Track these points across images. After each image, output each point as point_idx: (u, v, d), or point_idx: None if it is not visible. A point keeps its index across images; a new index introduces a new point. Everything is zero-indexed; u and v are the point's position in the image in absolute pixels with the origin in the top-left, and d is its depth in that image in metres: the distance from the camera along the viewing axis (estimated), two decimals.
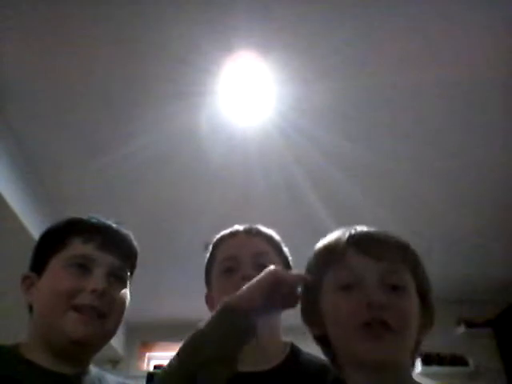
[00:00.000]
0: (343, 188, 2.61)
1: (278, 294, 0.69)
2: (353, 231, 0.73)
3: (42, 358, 0.78)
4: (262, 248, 0.95)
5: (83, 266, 0.82)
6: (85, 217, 0.90)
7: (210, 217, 2.74)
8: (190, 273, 3.32)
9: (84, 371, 0.83)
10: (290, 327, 1.09)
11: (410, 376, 0.68)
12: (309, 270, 0.76)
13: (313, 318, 0.73)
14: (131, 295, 0.92)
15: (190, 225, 2.89)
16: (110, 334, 0.85)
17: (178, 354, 0.67)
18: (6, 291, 2.49)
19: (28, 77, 1.99)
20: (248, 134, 2.29)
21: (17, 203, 2.23)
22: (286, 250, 0.99)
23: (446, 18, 1.79)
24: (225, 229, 1.02)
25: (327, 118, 2.21)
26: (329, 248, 0.74)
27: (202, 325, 0.68)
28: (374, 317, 0.63)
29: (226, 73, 1.98)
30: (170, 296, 3.80)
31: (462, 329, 3.81)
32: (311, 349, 0.88)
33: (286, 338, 0.94)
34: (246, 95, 2.11)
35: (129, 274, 0.90)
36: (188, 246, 3.08)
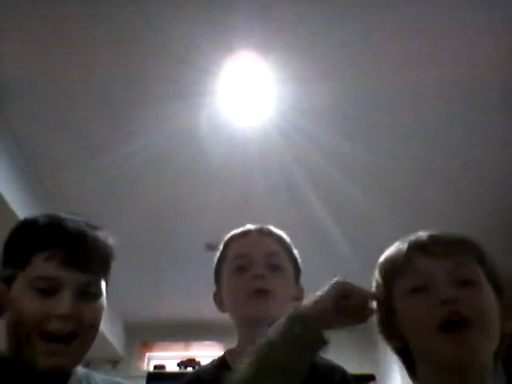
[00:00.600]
0: (343, 188, 2.61)
1: (349, 306, 0.66)
2: (412, 237, 0.74)
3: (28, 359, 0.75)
4: (273, 248, 0.94)
5: (48, 289, 0.76)
6: (44, 221, 0.81)
7: (210, 217, 2.74)
8: (190, 273, 3.34)
9: (68, 372, 0.81)
10: None
11: (494, 379, 0.66)
12: (377, 285, 0.75)
13: (391, 330, 0.71)
14: (131, 296, 0.91)
15: (190, 225, 2.89)
16: (84, 354, 0.80)
17: (251, 363, 0.64)
18: None
19: (28, 77, 1.99)
20: (248, 134, 2.29)
21: (17, 203, 2.23)
22: (295, 251, 0.99)
23: (446, 17, 1.79)
24: (224, 228, 1.02)
25: (327, 118, 2.21)
26: (392, 258, 0.73)
27: (272, 335, 0.66)
28: (451, 313, 0.62)
29: (225, 73, 1.98)
30: (170, 296, 3.80)
31: None
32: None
33: None
34: (246, 95, 2.11)
35: (103, 280, 0.84)
36: (188, 246, 3.08)
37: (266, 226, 0.99)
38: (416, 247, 0.70)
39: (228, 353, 0.93)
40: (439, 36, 1.86)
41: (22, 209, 2.28)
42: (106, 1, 1.70)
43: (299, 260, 1.00)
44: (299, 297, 0.94)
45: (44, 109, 2.14)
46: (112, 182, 2.59)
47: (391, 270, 0.72)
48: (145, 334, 4.30)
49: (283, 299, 0.89)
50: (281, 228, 1.03)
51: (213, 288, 1.00)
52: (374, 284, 0.76)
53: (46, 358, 0.74)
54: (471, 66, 1.96)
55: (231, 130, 2.27)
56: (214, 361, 0.94)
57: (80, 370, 0.84)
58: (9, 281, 0.78)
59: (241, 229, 1.00)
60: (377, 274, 0.76)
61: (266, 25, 1.79)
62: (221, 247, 1.00)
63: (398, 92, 2.09)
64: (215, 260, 1.01)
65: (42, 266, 0.77)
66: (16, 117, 2.16)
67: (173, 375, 3.86)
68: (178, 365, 3.93)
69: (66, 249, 0.78)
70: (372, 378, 3.76)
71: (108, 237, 0.86)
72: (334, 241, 2.88)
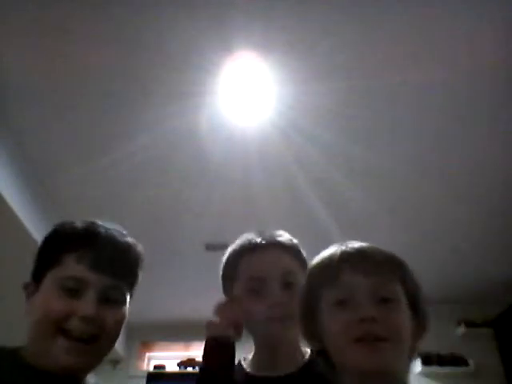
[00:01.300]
0: (343, 188, 2.61)
1: None
2: (344, 248, 0.77)
3: (41, 364, 0.77)
4: (290, 266, 0.91)
5: (74, 288, 0.79)
6: (79, 226, 0.85)
7: (210, 217, 2.74)
8: (190, 273, 3.34)
9: (83, 381, 0.83)
10: None
11: (407, 382, 0.71)
12: (306, 287, 0.79)
13: (312, 333, 0.76)
14: (130, 300, 0.90)
15: (190, 225, 2.89)
16: (100, 358, 0.82)
17: None
18: (6, 291, 2.49)
19: (28, 77, 1.99)
20: (248, 134, 2.29)
21: (17, 203, 2.23)
22: (304, 257, 0.95)
23: (446, 17, 1.79)
24: (225, 229, 1.02)
25: (327, 118, 2.21)
26: (322, 266, 0.77)
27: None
28: (366, 331, 0.67)
29: (225, 73, 1.98)
30: (170, 296, 3.80)
31: (462, 329, 3.81)
32: None
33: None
34: (246, 95, 2.11)
35: (128, 289, 0.86)
36: (188, 246, 3.08)
37: (274, 236, 0.94)
38: (345, 261, 0.74)
39: (244, 359, 0.94)
40: (439, 36, 1.86)
41: (22, 209, 2.28)
42: (106, 1, 1.70)
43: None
44: None
45: (44, 109, 2.14)
46: (112, 182, 2.59)
47: (320, 277, 0.76)
48: (145, 334, 4.30)
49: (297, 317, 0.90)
50: (281, 228, 1.02)
51: (213, 288, 1.00)
52: (303, 287, 0.80)
53: (66, 355, 0.76)
54: (471, 66, 1.96)
55: (231, 130, 2.27)
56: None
57: (91, 378, 0.86)
58: (37, 280, 0.82)
59: (249, 239, 0.94)
60: (308, 275, 0.80)
61: (266, 25, 1.79)
62: (229, 260, 0.95)
63: (397, 92, 2.09)
64: (222, 272, 0.97)
65: (72, 267, 0.80)
66: (16, 117, 2.16)
67: (173, 375, 3.86)
68: (178, 365, 3.93)
69: (96, 252, 0.81)
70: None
71: (138, 246, 0.89)
72: (334, 240, 2.86)
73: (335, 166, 2.47)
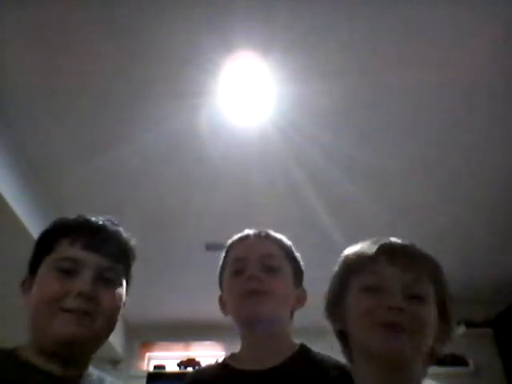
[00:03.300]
0: (343, 188, 2.61)
1: None
2: (384, 241, 0.80)
3: (39, 361, 0.78)
4: (270, 250, 0.96)
5: (70, 269, 0.81)
6: (73, 217, 0.90)
7: (210, 217, 2.74)
8: (190, 273, 3.34)
9: (83, 373, 0.83)
10: (298, 327, 1.09)
11: (419, 380, 0.72)
12: (338, 272, 0.82)
13: (335, 312, 0.79)
14: (131, 296, 0.91)
15: (190, 225, 2.89)
16: (101, 334, 0.83)
17: None
18: (6, 291, 2.49)
19: (28, 77, 1.99)
20: (248, 134, 2.29)
21: (17, 203, 2.23)
22: (297, 255, 1.00)
23: (446, 17, 1.79)
24: (225, 229, 1.03)
25: (327, 118, 2.21)
26: (359, 254, 0.80)
27: None
28: (391, 320, 0.69)
29: (225, 73, 1.98)
30: (170, 296, 3.80)
31: (462, 329, 3.81)
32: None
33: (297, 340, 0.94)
34: (246, 95, 2.11)
35: (123, 273, 0.89)
36: (188, 246, 3.08)
37: (264, 230, 1.01)
38: (384, 252, 0.77)
39: (230, 356, 0.94)
40: (439, 36, 1.86)
41: (22, 209, 2.28)
42: (106, 1, 1.70)
43: (301, 262, 1.00)
44: (301, 298, 0.96)
45: (44, 109, 2.14)
46: (112, 182, 2.59)
47: (354, 263, 0.79)
48: (145, 334, 4.30)
49: (281, 300, 0.90)
50: (281, 228, 1.03)
51: (213, 288, 1.02)
52: (336, 269, 0.83)
53: (65, 326, 0.77)
54: (472, 66, 1.97)
55: (231, 130, 2.27)
56: (213, 364, 0.96)
57: (93, 371, 0.87)
58: (33, 271, 0.85)
59: (240, 234, 1.02)
60: (341, 263, 0.83)
61: (266, 25, 1.79)
62: (223, 253, 1.03)
63: (398, 92, 2.09)
64: (219, 265, 1.02)
65: (66, 249, 0.84)
66: (16, 117, 2.16)
67: (173, 375, 3.86)
68: (178, 365, 3.93)
69: (89, 234, 0.85)
70: None
71: (130, 237, 0.92)
72: (334, 240, 2.87)
73: (335, 165, 2.47)
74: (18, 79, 2.00)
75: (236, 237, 1.02)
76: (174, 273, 3.42)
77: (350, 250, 0.83)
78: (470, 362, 3.66)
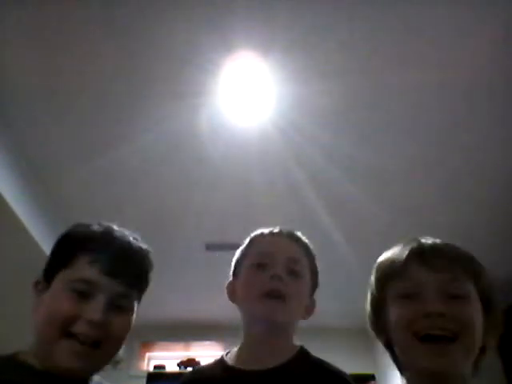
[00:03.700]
0: (343, 188, 2.61)
1: None
2: (415, 244, 0.77)
3: (41, 367, 0.77)
4: (297, 255, 0.94)
5: (84, 291, 0.79)
6: (95, 229, 0.85)
7: (210, 217, 2.74)
8: (190, 273, 3.34)
9: (85, 380, 0.83)
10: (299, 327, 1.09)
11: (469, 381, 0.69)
12: (375, 280, 0.79)
13: (378, 325, 0.76)
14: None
15: (190, 225, 2.89)
16: (104, 363, 0.82)
17: None
18: (6, 291, 2.49)
19: (28, 77, 1.99)
20: (248, 134, 2.29)
21: (17, 203, 2.23)
22: (317, 264, 0.99)
23: (446, 17, 1.79)
24: (225, 229, 1.03)
25: (327, 118, 2.21)
26: (391, 261, 0.77)
27: None
28: (432, 326, 0.65)
29: (225, 73, 1.98)
30: (170, 296, 3.80)
31: None
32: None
33: (298, 342, 0.94)
34: (246, 95, 2.11)
35: (137, 297, 0.87)
36: (188, 246, 3.08)
37: (296, 232, 0.99)
38: (415, 255, 0.73)
39: (227, 355, 0.93)
40: (439, 36, 1.86)
41: (22, 209, 2.28)
42: (106, 1, 1.71)
43: (318, 273, 0.99)
44: (309, 309, 0.95)
45: (44, 109, 2.14)
46: (112, 182, 2.59)
47: (388, 271, 0.75)
48: (145, 334, 4.29)
49: (296, 306, 0.89)
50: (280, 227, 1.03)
51: (213, 288, 1.01)
52: (371, 279, 0.79)
53: (69, 358, 0.75)
54: (472, 66, 1.97)
55: (231, 130, 2.27)
56: (212, 361, 0.95)
57: (95, 378, 0.86)
58: (49, 279, 0.82)
59: (271, 228, 1.00)
60: (374, 272, 0.79)
61: (266, 25, 1.79)
62: (247, 240, 1.01)
63: (398, 92, 2.09)
64: (238, 250, 1.01)
65: (85, 269, 0.80)
66: (16, 117, 2.16)
67: (173, 375, 3.86)
68: (178, 365, 3.93)
69: (110, 256, 0.81)
70: (372, 377, 3.76)
71: (150, 253, 0.90)
72: (334, 240, 2.88)
73: (335, 165, 2.47)
74: (18, 79, 2.00)
75: (266, 229, 0.99)
76: (174, 273, 3.41)
77: (383, 257, 0.80)
78: None
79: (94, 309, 0.77)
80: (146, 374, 3.96)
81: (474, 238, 3.13)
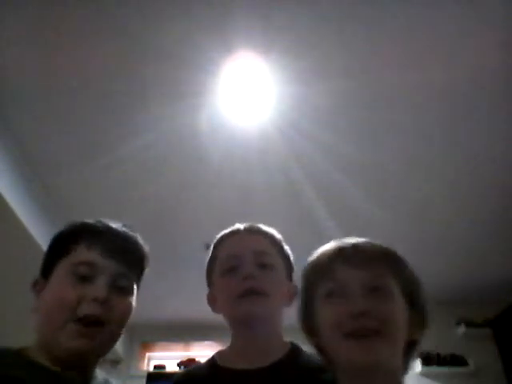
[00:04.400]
0: (343, 188, 2.61)
1: None
2: (339, 244, 0.78)
3: (46, 362, 0.78)
4: (262, 246, 0.94)
5: (86, 274, 0.81)
6: (91, 220, 0.89)
7: (210, 217, 2.74)
8: (191, 273, 3.32)
9: (89, 375, 0.83)
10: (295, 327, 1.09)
11: (402, 380, 0.71)
12: (302, 283, 0.80)
13: (308, 327, 0.77)
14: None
15: (191, 225, 2.89)
16: (109, 343, 0.84)
17: None
18: (6, 291, 2.49)
19: (28, 77, 1.99)
20: (248, 134, 2.29)
21: (17, 204, 2.23)
22: (286, 248, 0.99)
23: (446, 17, 1.79)
24: (224, 228, 1.02)
25: (327, 118, 2.21)
26: (317, 262, 0.78)
27: None
28: (357, 326, 0.67)
29: (225, 73, 1.98)
30: (171, 296, 3.80)
31: (461, 329, 3.81)
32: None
33: (288, 338, 0.93)
34: (246, 95, 2.11)
35: (136, 279, 0.89)
36: (188, 246, 3.08)
37: (255, 224, 0.99)
38: (338, 255, 0.75)
39: (218, 354, 0.93)
40: (439, 36, 1.86)
41: (22, 209, 2.28)
42: (106, 1, 1.71)
43: (291, 256, 0.99)
44: (291, 294, 0.94)
45: (44, 109, 2.14)
46: (112, 182, 2.59)
47: (314, 272, 0.77)
48: (145, 334, 4.30)
49: (275, 298, 0.89)
50: (281, 227, 1.03)
51: None
52: (300, 281, 0.81)
53: (74, 339, 0.77)
54: (471, 66, 1.97)
55: (231, 130, 2.27)
56: (204, 362, 0.95)
57: (98, 374, 0.87)
58: (47, 275, 0.84)
59: (230, 228, 1.00)
60: (302, 274, 0.81)
61: (266, 25, 1.79)
62: (211, 248, 1.01)
63: (398, 92, 2.09)
64: (207, 259, 1.00)
65: (84, 253, 0.83)
66: (16, 117, 2.16)
67: (173, 375, 3.85)
68: (178, 365, 3.93)
69: (107, 240, 0.85)
70: None
71: (145, 245, 0.93)
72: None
73: (335, 165, 2.47)
74: (18, 79, 2.00)
75: (226, 231, 1.00)
76: (174, 273, 3.41)
77: (310, 258, 0.81)
78: (470, 362, 3.65)
79: (98, 288, 0.80)
80: (145, 374, 3.96)
81: (474, 238, 3.14)
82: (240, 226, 0.99)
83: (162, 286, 3.60)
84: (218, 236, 1.01)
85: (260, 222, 1.01)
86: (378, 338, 0.66)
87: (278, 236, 0.99)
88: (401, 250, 0.79)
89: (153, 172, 2.51)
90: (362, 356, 0.66)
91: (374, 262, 0.73)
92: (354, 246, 0.76)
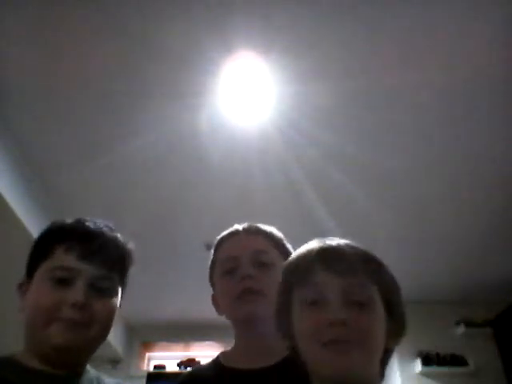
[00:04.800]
0: (343, 188, 2.61)
1: None
2: (318, 245, 0.74)
3: (36, 363, 0.79)
4: (261, 246, 0.94)
5: (65, 278, 0.81)
6: (69, 221, 0.88)
7: (210, 217, 2.74)
8: (190, 273, 3.33)
9: (80, 372, 0.83)
10: None
11: None
12: (281, 283, 0.77)
13: (284, 329, 0.74)
14: (131, 296, 0.91)
15: (191, 225, 2.90)
16: (95, 341, 0.83)
17: None
18: (6, 291, 2.49)
19: (28, 77, 1.99)
20: (248, 134, 2.29)
21: (17, 203, 2.23)
22: (288, 246, 0.98)
23: (446, 18, 1.79)
24: (224, 228, 1.02)
25: (327, 118, 2.21)
26: (296, 265, 0.75)
27: None
28: (336, 335, 0.65)
29: (225, 73, 1.98)
30: (171, 296, 3.80)
31: (461, 329, 3.81)
32: None
33: None
34: (246, 95, 2.11)
35: (118, 280, 0.88)
36: (188, 246, 3.08)
37: (254, 224, 0.99)
38: (318, 259, 0.71)
39: (222, 354, 0.94)
40: (439, 36, 1.86)
41: (22, 209, 2.28)
42: (106, 1, 1.71)
43: (291, 254, 0.99)
44: None
45: (44, 109, 2.14)
46: (112, 182, 2.59)
47: (294, 275, 0.74)
48: (145, 334, 4.30)
49: (274, 296, 0.89)
50: (281, 227, 1.03)
51: None
52: (281, 277, 0.78)
53: (60, 335, 0.77)
54: (471, 66, 1.97)
55: (231, 130, 2.27)
56: (208, 362, 0.95)
57: (91, 370, 0.87)
58: (31, 275, 0.85)
59: (229, 230, 1.00)
60: (283, 272, 0.78)
61: (266, 25, 1.79)
62: (212, 250, 1.01)
63: (398, 92, 2.09)
64: (208, 263, 1.01)
65: (61, 257, 0.82)
66: (16, 117, 2.16)
67: (173, 375, 3.86)
68: (178, 365, 3.93)
69: (84, 243, 0.84)
70: None
71: (127, 241, 0.92)
72: None
73: (335, 165, 2.47)
74: (19, 80, 2.00)
75: (225, 233, 1.00)
76: (174, 273, 3.42)
77: (291, 258, 0.78)
78: (470, 362, 3.65)
79: (76, 292, 0.80)
80: (146, 374, 3.97)
81: (474, 238, 3.14)
82: (239, 226, 0.99)
83: (162, 286, 3.60)
84: (218, 238, 1.01)
85: (260, 222, 1.01)
86: (355, 348, 0.64)
87: (278, 234, 0.99)
88: (401, 249, 0.79)
89: (153, 172, 2.51)
90: (335, 363, 0.64)
91: (355, 270, 0.70)
92: (335, 250, 0.72)
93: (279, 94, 2.09)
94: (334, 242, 0.75)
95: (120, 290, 0.89)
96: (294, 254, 0.78)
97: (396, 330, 0.71)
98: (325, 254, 0.72)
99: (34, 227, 2.39)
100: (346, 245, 0.74)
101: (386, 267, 0.74)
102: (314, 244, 0.76)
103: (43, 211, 2.57)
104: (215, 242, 1.01)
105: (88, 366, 0.86)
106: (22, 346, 0.83)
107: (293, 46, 1.88)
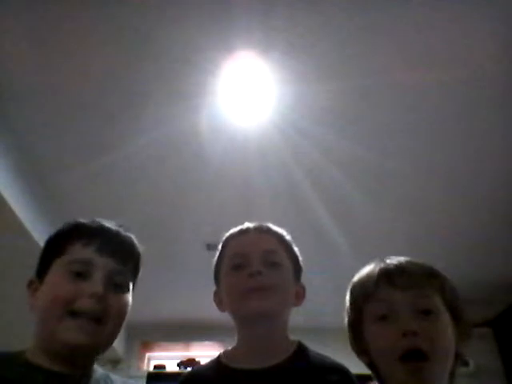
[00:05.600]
0: (343, 188, 2.61)
1: None
2: (382, 264, 0.81)
3: (44, 361, 0.79)
4: (271, 246, 0.94)
5: (82, 272, 0.82)
6: (86, 220, 0.90)
7: (210, 217, 2.74)
8: (191, 273, 3.34)
9: (88, 372, 0.83)
10: (299, 328, 1.09)
11: None
12: (350, 304, 0.83)
13: (359, 347, 0.80)
14: (132, 296, 0.91)
15: (191, 225, 2.89)
16: (108, 340, 0.84)
17: None
18: (6, 291, 2.49)
19: (28, 77, 1.99)
20: (248, 134, 2.29)
21: (17, 203, 2.23)
22: (296, 249, 0.99)
23: (447, 18, 1.79)
24: (225, 229, 1.02)
25: (327, 118, 2.21)
26: (362, 284, 0.81)
27: None
28: (409, 346, 0.70)
29: (225, 73, 1.98)
30: (171, 296, 3.80)
31: None
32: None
33: (295, 338, 0.93)
34: (246, 95, 2.11)
35: (131, 277, 0.90)
36: (188, 246, 3.08)
37: (264, 224, 0.99)
38: (383, 277, 0.78)
39: (223, 354, 0.93)
40: (439, 36, 1.86)
41: (21, 209, 2.28)
42: (107, 1, 1.71)
43: (300, 258, 0.99)
44: (300, 294, 0.95)
45: (44, 109, 2.14)
46: (112, 182, 2.59)
47: (361, 294, 0.80)
48: (145, 334, 4.29)
49: (282, 296, 0.89)
50: (280, 227, 1.03)
51: (213, 288, 1.00)
52: (347, 302, 0.84)
53: (73, 334, 0.77)
54: (471, 65, 1.97)
55: (231, 130, 2.27)
56: (209, 361, 0.95)
57: (99, 370, 0.87)
58: (42, 275, 0.85)
59: (239, 227, 1.00)
60: (349, 294, 0.84)
61: (265, 25, 1.79)
62: (220, 246, 1.01)
63: (398, 92, 2.09)
64: (214, 259, 1.01)
65: (79, 251, 0.84)
66: (16, 117, 2.16)
67: (173, 375, 3.85)
68: (178, 365, 3.93)
69: (102, 238, 0.86)
70: (371, 378, 3.76)
71: (140, 245, 0.94)
72: (334, 240, 2.88)
73: (335, 165, 2.47)
74: (19, 79, 2.00)
75: (235, 230, 1.00)
76: (175, 273, 3.42)
77: (355, 280, 0.84)
78: (470, 362, 3.65)
79: (94, 284, 0.81)
80: (145, 374, 3.96)
81: (474, 238, 3.13)
82: (249, 224, 1.00)
83: (162, 286, 3.60)
84: (227, 234, 1.01)
85: (260, 222, 1.01)
86: (428, 360, 0.69)
87: (288, 236, 1.00)
88: (401, 249, 0.80)
89: (153, 172, 2.51)
90: (414, 378, 0.69)
91: (419, 283, 0.76)
92: (398, 267, 0.78)
93: (279, 94, 2.09)
94: (395, 259, 0.81)
95: (131, 287, 0.90)
96: (358, 274, 0.84)
97: (463, 332, 0.78)
98: (388, 270, 0.78)
99: (34, 227, 2.39)
100: (407, 261, 0.81)
101: (446, 277, 0.81)
102: (376, 263, 0.82)
103: (43, 211, 2.57)
104: (224, 237, 1.01)
105: (95, 366, 0.87)
106: (22, 345, 0.83)
107: (293, 46, 1.88)
